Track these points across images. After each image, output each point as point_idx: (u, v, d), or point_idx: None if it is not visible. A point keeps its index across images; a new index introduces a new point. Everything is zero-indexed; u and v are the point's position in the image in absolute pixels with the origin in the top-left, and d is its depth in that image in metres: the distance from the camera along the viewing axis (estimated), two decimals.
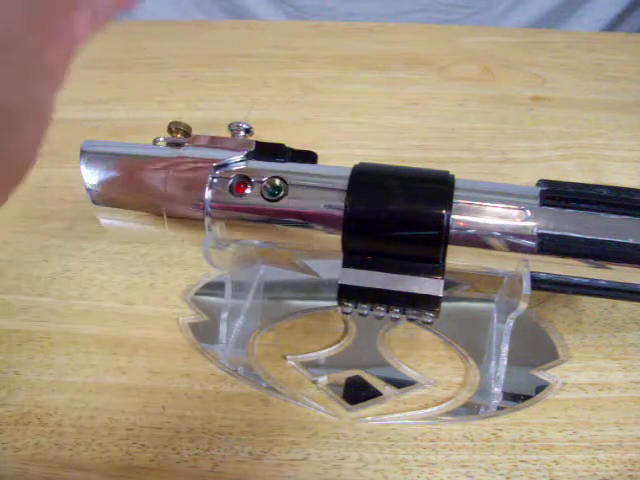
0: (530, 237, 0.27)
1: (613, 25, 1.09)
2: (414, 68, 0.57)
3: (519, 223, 0.27)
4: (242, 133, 0.32)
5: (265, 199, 0.29)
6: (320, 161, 0.32)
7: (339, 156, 0.45)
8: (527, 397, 0.31)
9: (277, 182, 0.29)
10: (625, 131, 0.49)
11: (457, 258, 0.28)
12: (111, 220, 0.34)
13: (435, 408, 0.31)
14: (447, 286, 0.34)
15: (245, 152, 0.30)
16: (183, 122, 0.33)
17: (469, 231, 0.27)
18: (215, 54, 0.59)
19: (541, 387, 0.31)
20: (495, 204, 0.27)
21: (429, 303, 0.26)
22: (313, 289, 0.36)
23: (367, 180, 0.26)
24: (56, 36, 0.18)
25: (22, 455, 0.29)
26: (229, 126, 0.33)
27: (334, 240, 0.27)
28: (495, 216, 0.27)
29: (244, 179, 0.29)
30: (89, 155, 0.31)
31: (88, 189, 0.31)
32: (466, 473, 0.28)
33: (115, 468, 0.29)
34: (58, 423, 0.30)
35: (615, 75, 0.55)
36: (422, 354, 0.33)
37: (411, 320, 0.27)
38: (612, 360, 0.33)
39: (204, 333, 0.34)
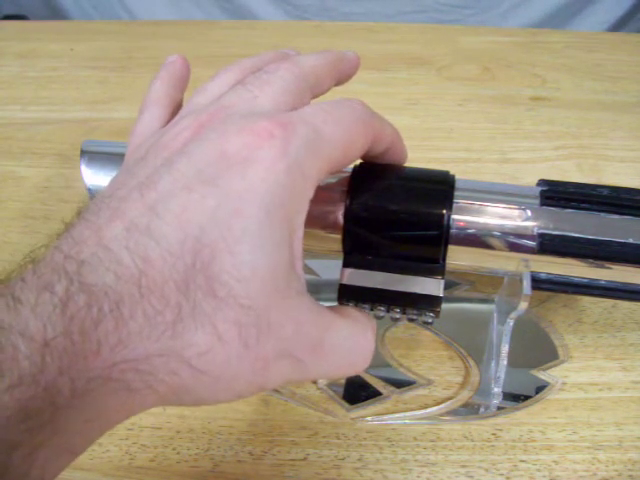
0: (530, 237, 0.27)
1: (615, 28, 1.09)
2: (414, 68, 0.57)
3: (519, 223, 0.27)
4: None
5: None
6: None
7: None
8: (527, 397, 0.31)
9: None
10: (625, 131, 0.49)
11: (457, 258, 0.28)
12: None
13: (435, 408, 0.31)
14: (447, 286, 0.35)
15: None
16: None
17: (469, 231, 0.27)
18: (215, 54, 0.59)
19: (541, 387, 0.31)
20: (495, 204, 0.27)
21: (429, 303, 0.26)
22: (313, 289, 0.36)
23: (367, 180, 0.26)
24: None
25: None
26: None
27: (334, 240, 0.27)
28: (495, 216, 0.27)
29: None
30: (89, 155, 0.31)
31: (88, 189, 0.31)
32: (466, 473, 0.28)
33: (115, 468, 0.29)
34: None
35: (615, 75, 0.55)
36: (422, 354, 0.33)
37: (411, 320, 0.27)
38: (612, 360, 0.33)
39: None
